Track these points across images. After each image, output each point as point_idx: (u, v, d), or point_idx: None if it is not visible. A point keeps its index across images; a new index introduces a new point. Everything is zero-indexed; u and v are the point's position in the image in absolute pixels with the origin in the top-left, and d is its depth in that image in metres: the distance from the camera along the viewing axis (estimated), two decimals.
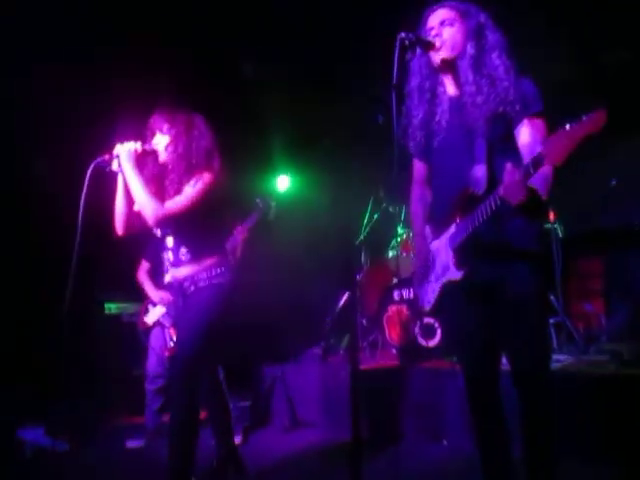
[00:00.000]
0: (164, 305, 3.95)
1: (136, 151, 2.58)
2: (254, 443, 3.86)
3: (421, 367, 3.78)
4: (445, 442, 3.37)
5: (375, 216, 4.90)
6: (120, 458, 3.69)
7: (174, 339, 3.36)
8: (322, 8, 4.56)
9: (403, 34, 1.98)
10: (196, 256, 2.70)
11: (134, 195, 2.58)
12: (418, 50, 2.10)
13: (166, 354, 3.76)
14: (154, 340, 3.98)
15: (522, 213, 1.91)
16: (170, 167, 2.67)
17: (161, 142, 2.68)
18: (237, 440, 3.72)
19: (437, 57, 2.09)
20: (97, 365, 4.62)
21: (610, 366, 3.26)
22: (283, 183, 5.79)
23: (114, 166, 2.58)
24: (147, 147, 2.65)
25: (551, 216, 4.25)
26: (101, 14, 4.40)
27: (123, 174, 2.59)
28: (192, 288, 2.71)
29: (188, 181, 2.62)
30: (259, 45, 4.98)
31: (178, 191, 2.61)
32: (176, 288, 2.77)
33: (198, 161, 2.65)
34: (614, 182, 4.84)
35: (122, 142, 2.58)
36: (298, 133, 5.51)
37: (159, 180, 2.70)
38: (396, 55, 1.94)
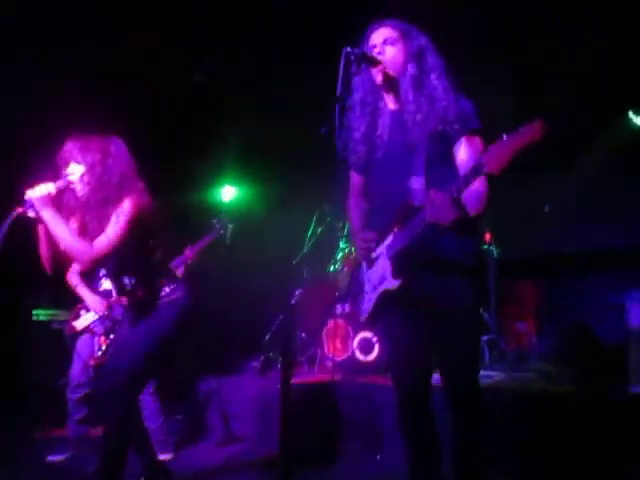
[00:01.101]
0: (98, 312, 3.80)
1: (49, 194, 2.39)
2: (185, 458, 3.75)
3: (357, 382, 3.79)
4: (378, 457, 3.37)
5: (319, 230, 4.91)
6: (41, 473, 3.50)
7: (103, 348, 3.23)
8: (275, 18, 4.58)
9: (349, 49, 2.02)
10: (143, 281, 2.65)
11: (59, 240, 2.42)
12: (362, 65, 2.13)
13: (92, 363, 3.58)
14: (81, 347, 3.81)
15: (452, 231, 1.96)
16: (86, 200, 2.54)
17: (76, 172, 2.52)
18: (168, 456, 3.62)
19: (379, 74, 2.14)
20: (20, 374, 4.38)
21: (538, 384, 3.36)
22: (228, 194, 5.73)
23: (30, 214, 2.40)
24: (60, 185, 2.47)
25: (487, 237, 4.40)
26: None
27: (42, 220, 2.41)
28: (136, 309, 2.67)
29: (108, 214, 2.52)
30: (212, 53, 4.96)
31: (100, 228, 2.51)
32: (127, 308, 2.71)
33: (113, 191, 2.53)
34: (547, 208, 5.06)
35: (32, 187, 2.39)
36: (246, 144, 5.49)
37: (81, 213, 2.58)
38: (341, 68, 1.98)
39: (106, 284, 3.77)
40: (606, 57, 4.28)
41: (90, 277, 3.76)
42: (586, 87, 4.49)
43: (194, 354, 4.87)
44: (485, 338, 4.08)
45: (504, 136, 1.71)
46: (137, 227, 2.55)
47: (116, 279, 2.66)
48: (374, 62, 2.12)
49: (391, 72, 2.14)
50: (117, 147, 2.61)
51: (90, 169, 2.51)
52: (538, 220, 5.11)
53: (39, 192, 2.37)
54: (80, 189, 2.53)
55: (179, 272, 3.92)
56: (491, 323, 4.18)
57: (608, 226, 4.94)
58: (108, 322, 3.36)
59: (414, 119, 2.10)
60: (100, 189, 2.51)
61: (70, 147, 2.55)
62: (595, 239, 4.98)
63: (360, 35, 2.21)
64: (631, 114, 4.69)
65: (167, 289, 2.67)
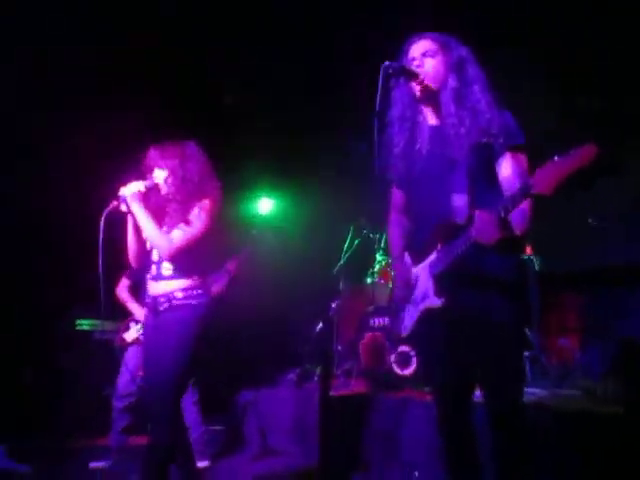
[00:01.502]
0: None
1: (140, 191, 2.69)
2: (221, 469, 3.77)
3: (394, 396, 3.75)
4: (416, 474, 3.32)
5: (355, 243, 4.91)
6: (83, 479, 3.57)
7: None
8: (309, 35, 4.63)
9: (387, 63, 2.00)
10: (178, 274, 2.72)
11: (145, 233, 2.69)
12: (401, 79, 2.13)
13: (140, 373, 3.68)
14: (129, 358, 3.90)
15: (496, 250, 1.93)
16: (171, 197, 2.78)
17: (160, 176, 2.81)
18: (204, 464, 3.65)
19: (419, 87, 2.12)
20: (65, 383, 4.50)
21: (583, 402, 3.26)
22: (266, 206, 5.79)
23: (122, 208, 2.69)
24: (149, 184, 2.76)
25: (528, 249, 4.31)
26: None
27: (132, 214, 2.71)
28: (166, 305, 2.69)
29: (190, 210, 2.73)
30: (244, 69, 5.04)
31: (183, 220, 2.72)
32: (150, 304, 2.74)
33: (195, 189, 2.76)
34: (591, 220, 4.93)
35: (125, 184, 2.69)
36: (284, 157, 5.54)
37: (163, 212, 2.81)
38: (380, 83, 1.96)
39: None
40: None
41: (139, 290, 3.85)
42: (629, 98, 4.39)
43: (233, 366, 4.93)
44: (527, 354, 3.98)
45: (555, 157, 1.67)
46: (214, 225, 2.75)
47: (183, 275, 2.72)
48: (413, 75, 2.10)
49: (431, 85, 2.11)
50: (192, 150, 2.86)
51: (172, 172, 2.78)
52: (582, 232, 4.98)
53: (131, 189, 2.67)
54: (165, 190, 2.80)
55: (222, 285, 3.94)
56: (533, 338, 4.08)
57: None
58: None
59: (456, 132, 2.07)
60: (182, 187, 2.76)
61: (152, 155, 2.83)
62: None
63: (397, 50, 2.20)
64: None
65: (196, 291, 2.72)
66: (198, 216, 2.71)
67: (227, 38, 4.88)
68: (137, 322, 3.96)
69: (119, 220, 2.75)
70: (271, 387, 4.54)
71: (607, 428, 2.85)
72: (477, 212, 1.87)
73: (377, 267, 4.66)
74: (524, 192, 1.77)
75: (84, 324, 4.65)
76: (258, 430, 4.11)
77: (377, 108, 1.94)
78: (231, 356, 5.09)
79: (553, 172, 1.67)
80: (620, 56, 4.19)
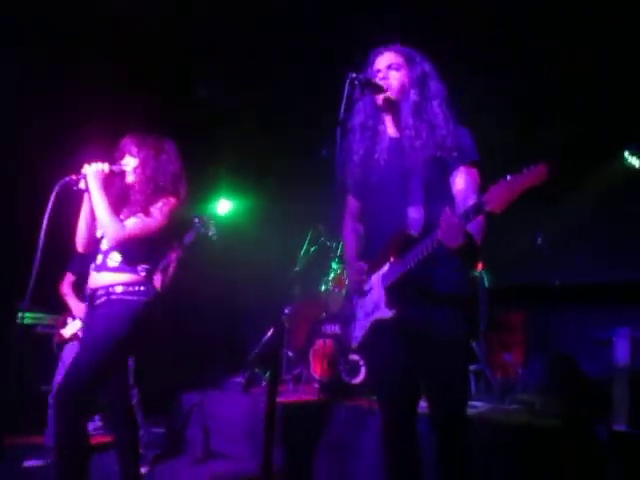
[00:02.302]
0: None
1: (103, 171, 2.64)
2: (161, 473, 3.69)
3: (342, 404, 3.76)
4: None
5: (312, 249, 4.92)
6: (16, 479, 3.43)
7: None
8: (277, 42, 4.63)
9: (354, 75, 2.04)
10: (124, 266, 2.63)
11: (97, 214, 2.61)
12: (365, 90, 2.15)
13: None
14: (67, 354, 3.79)
15: (457, 257, 1.96)
16: (137, 188, 2.73)
17: (129, 164, 2.76)
18: (143, 469, 3.56)
19: (381, 98, 2.16)
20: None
21: (522, 416, 3.36)
22: (224, 207, 5.74)
23: (81, 185, 2.63)
24: (115, 168, 2.71)
25: (479, 265, 4.41)
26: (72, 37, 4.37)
27: (89, 193, 2.64)
28: (103, 299, 2.60)
29: (153, 203, 2.68)
30: (211, 66, 5.00)
31: (143, 210, 2.66)
32: (88, 296, 2.65)
33: (165, 185, 2.73)
34: (540, 239, 5.10)
35: (90, 163, 2.63)
36: (243, 159, 5.51)
37: (123, 200, 2.75)
38: (345, 93, 2.00)
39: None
40: (604, 97, 4.37)
41: (82, 286, 3.74)
42: (584, 125, 4.58)
43: (177, 367, 4.84)
44: (472, 368, 4.07)
45: (508, 176, 1.71)
46: (171, 224, 2.71)
47: (128, 269, 2.65)
48: (378, 88, 2.14)
49: (393, 97, 2.16)
50: (169, 147, 2.83)
51: (143, 162, 2.74)
52: (530, 251, 5.14)
53: (95, 167, 2.62)
54: (131, 179, 2.75)
55: (170, 270, 3.89)
56: (479, 353, 4.18)
57: (598, 261, 4.99)
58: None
59: (412, 144, 2.11)
60: (150, 180, 2.71)
61: (127, 141, 2.78)
62: (585, 274, 5.03)
63: (362, 59, 2.23)
64: (626, 154, 4.77)
65: (137, 287, 2.62)
66: (160, 210, 2.67)
67: (227, 52, 4.86)
68: (74, 318, 3.86)
69: (71, 203, 2.66)
70: (218, 390, 4.48)
71: (545, 440, 2.94)
72: (444, 213, 1.85)
73: (332, 275, 4.68)
74: (477, 208, 1.80)
75: (27, 317, 4.47)
76: (202, 433, 4.05)
77: (341, 116, 1.96)
78: (176, 355, 4.99)
79: (505, 191, 1.71)
80: (578, 76, 4.36)
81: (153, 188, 2.70)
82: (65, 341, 3.87)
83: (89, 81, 4.54)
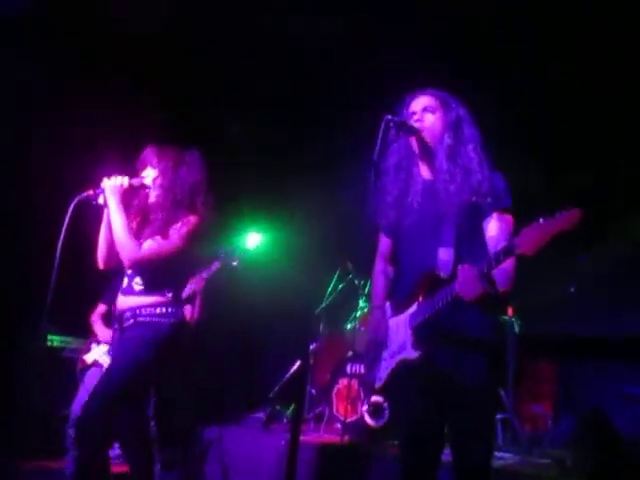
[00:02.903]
0: (108, 344, 3.82)
1: (122, 186, 2.56)
2: None
3: (363, 447, 3.69)
4: None
5: (340, 287, 4.92)
6: None
7: None
8: (304, 76, 4.72)
9: (390, 116, 2.09)
10: (147, 289, 2.59)
11: (114, 232, 2.54)
12: (400, 132, 2.19)
13: None
14: (88, 380, 3.79)
15: (477, 307, 1.95)
16: (155, 202, 2.66)
17: (149, 175, 2.68)
18: None
19: (416, 140, 2.19)
20: (20, 400, 4.36)
21: (552, 471, 3.24)
22: (254, 240, 5.78)
23: (100, 200, 2.57)
24: (134, 182, 2.63)
25: (509, 311, 4.34)
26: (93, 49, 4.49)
27: (107, 208, 2.58)
28: (131, 321, 2.57)
29: (173, 223, 2.59)
30: (242, 103, 5.09)
31: (160, 231, 2.58)
32: (116, 319, 2.63)
33: (183, 198, 2.63)
34: (572, 289, 5.00)
35: (109, 177, 2.58)
36: (275, 191, 5.58)
37: (146, 218, 2.67)
38: (380, 134, 2.03)
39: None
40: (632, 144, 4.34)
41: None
42: (613, 172, 4.54)
43: (197, 399, 4.82)
44: (499, 417, 3.96)
45: (540, 220, 1.72)
46: (194, 246, 2.60)
47: (153, 292, 2.58)
48: (412, 130, 2.17)
49: (428, 140, 2.19)
50: (192, 158, 2.74)
51: (162, 174, 2.66)
52: (563, 300, 5.05)
53: (113, 182, 2.55)
54: (152, 192, 2.68)
55: (197, 301, 3.89)
56: (507, 402, 4.07)
57: (636, 313, 4.86)
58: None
59: (447, 188, 2.12)
60: (169, 192, 2.63)
61: (148, 152, 2.73)
62: (619, 326, 4.90)
63: (398, 102, 2.28)
64: None
65: (163, 309, 2.57)
66: (178, 231, 2.56)
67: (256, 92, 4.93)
68: (99, 343, 3.90)
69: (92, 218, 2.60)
70: (237, 425, 4.44)
71: None
72: (460, 266, 1.89)
73: (359, 313, 4.66)
74: (508, 250, 1.80)
75: (55, 340, 4.55)
76: (221, 470, 4.00)
77: (375, 157, 2.00)
78: (196, 388, 4.97)
79: (537, 234, 1.72)
80: (607, 127, 4.35)
81: (171, 201, 2.61)
82: (87, 366, 3.90)
83: (109, 96, 4.52)
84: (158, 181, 2.65)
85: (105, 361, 3.77)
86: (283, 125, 5.23)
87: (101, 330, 3.92)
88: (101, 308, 4.04)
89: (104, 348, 3.86)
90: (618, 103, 4.25)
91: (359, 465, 3.50)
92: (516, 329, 4.35)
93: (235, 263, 4.16)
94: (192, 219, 2.60)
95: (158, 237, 2.57)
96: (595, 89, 4.22)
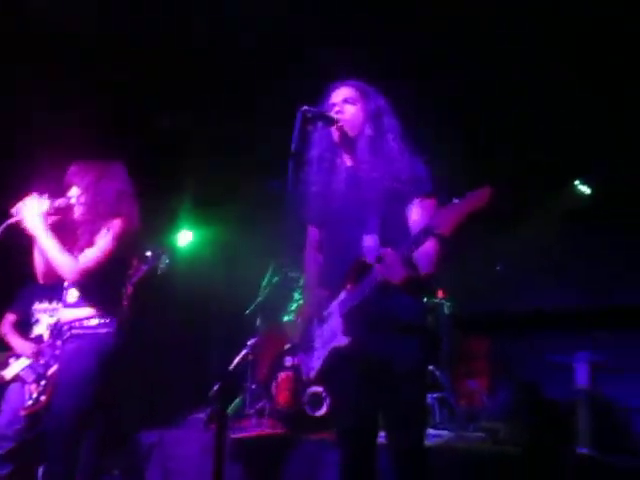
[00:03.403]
0: (29, 358, 3.65)
1: (41, 209, 2.57)
2: None
3: (305, 438, 3.72)
4: None
5: (274, 280, 4.91)
6: None
7: (34, 396, 3.07)
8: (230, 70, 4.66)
9: (306, 107, 2.10)
10: (82, 301, 2.62)
11: (47, 254, 2.56)
12: (319, 123, 2.21)
13: (23, 412, 3.39)
14: (11, 396, 3.63)
15: (404, 291, 2.00)
16: (80, 218, 2.68)
17: (74, 194, 2.71)
18: None
19: (337, 132, 2.22)
20: None
21: (485, 444, 3.39)
22: (185, 238, 5.68)
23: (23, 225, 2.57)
24: (59, 203, 2.65)
25: (440, 293, 4.48)
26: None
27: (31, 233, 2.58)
28: (68, 334, 2.59)
29: (98, 231, 2.61)
30: (177, 99, 5.00)
31: (89, 243, 2.60)
32: (56, 332, 2.68)
33: (107, 208, 2.64)
34: (499, 267, 5.23)
35: (25, 202, 2.56)
36: (206, 187, 5.50)
37: (74, 232, 2.69)
38: (297, 126, 2.05)
39: (38, 329, 3.70)
40: (556, 128, 4.56)
41: (25, 324, 3.66)
42: (537, 154, 4.76)
43: (136, 403, 4.71)
44: (436, 396, 4.10)
45: (454, 200, 1.81)
46: (123, 248, 2.62)
47: (87, 303, 2.61)
48: (331, 121, 2.20)
49: (349, 131, 2.22)
50: (114, 171, 2.76)
51: (85, 191, 2.68)
52: (491, 278, 5.27)
53: (31, 209, 2.55)
54: (77, 210, 2.69)
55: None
56: (443, 380, 4.21)
57: (559, 287, 5.14)
58: (39, 368, 3.22)
59: (369, 177, 2.17)
60: (91, 206, 2.65)
61: (72, 171, 2.73)
62: (547, 299, 5.17)
63: (320, 95, 2.30)
64: (578, 182, 4.97)
65: (101, 320, 2.61)
66: (104, 237, 2.58)
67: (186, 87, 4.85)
68: (17, 357, 3.73)
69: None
70: (178, 427, 4.37)
71: (508, 468, 2.96)
72: (382, 251, 1.95)
73: (295, 305, 4.67)
74: (426, 231, 1.88)
75: None
76: (162, 473, 3.93)
77: (293, 149, 2.00)
78: (135, 391, 4.86)
79: (452, 214, 1.80)
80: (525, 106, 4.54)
81: (94, 215, 2.64)
82: (6, 382, 3.71)
83: (37, 106, 4.39)
84: (82, 198, 2.69)
85: (29, 375, 3.59)
86: (214, 120, 5.16)
87: (16, 342, 3.73)
88: (10, 318, 3.85)
89: (25, 362, 3.67)
90: (543, 85, 4.43)
91: (298, 456, 3.53)
92: (446, 310, 4.50)
93: (166, 263, 4.07)
94: (117, 222, 2.62)
95: (88, 249, 2.60)
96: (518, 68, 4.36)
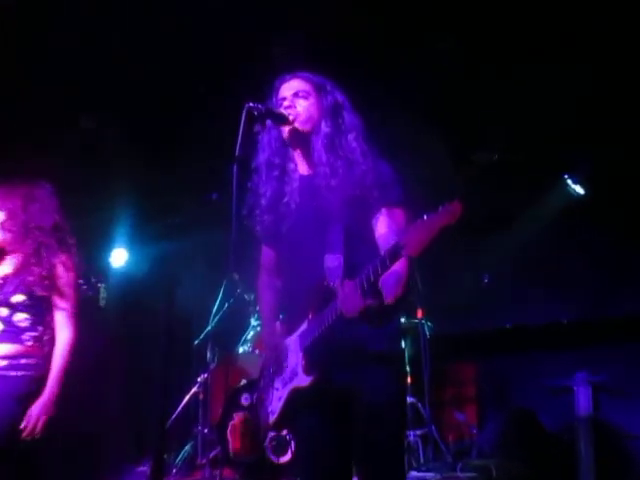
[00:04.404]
0: None
1: None
2: None
3: None
4: None
5: (227, 304, 4.83)
6: None
7: None
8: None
9: (251, 104, 2.04)
10: (7, 336, 2.63)
11: None
12: (268, 122, 2.16)
13: None
14: None
15: (364, 322, 1.96)
16: (9, 247, 2.72)
17: None
18: None
19: (288, 130, 2.16)
20: None
21: None
22: (119, 258, 5.56)
23: None
24: None
25: (419, 313, 4.47)
26: None
27: None
28: None
29: (43, 261, 2.65)
30: (103, 109, 4.97)
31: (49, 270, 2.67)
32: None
33: (45, 240, 2.69)
34: (486, 279, 5.26)
35: None
36: (141, 206, 5.42)
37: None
38: (242, 126, 1.99)
39: None
40: (545, 124, 4.63)
41: None
42: (523, 151, 4.83)
43: (71, 451, 4.57)
44: (419, 432, 4.08)
45: (425, 216, 1.75)
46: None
47: (12, 339, 2.63)
48: (281, 118, 2.14)
49: (301, 129, 2.16)
50: (42, 193, 2.79)
51: (10, 216, 2.70)
52: (477, 292, 5.29)
53: None
54: (1, 236, 2.71)
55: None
56: (425, 413, 4.19)
57: (553, 299, 5.18)
58: None
59: (328, 184, 2.11)
60: (25, 237, 2.68)
61: None
62: (540, 314, 5.20)
63: (268, 89, 2.25)
64: (569, 181, 5.05)
65: (24, 360, 2.64)
66: (68, 279, 2.70)
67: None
68: None
69: None
70: None
71: None
72: (339, 283, 1.91)
73: (251, 333, 4.61)
74: (393, 254, 1.81)
75: None
76: None
77: (237, 153, 1.94)
78: (69, 441, 4.72)
79: (422, 232, 1.74)
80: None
81: (29, 246, 2.68)
82: None
83: None
84: (7, 224, 2.72)
85: None
86: (152, 127, 5.10)
87: None
88: None
89: None
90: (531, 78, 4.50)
91: None
92: (427, 332, 4.49)
93: (101, 296, 4.05)
94: (65, 257, 2.72)
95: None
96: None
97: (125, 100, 4.88)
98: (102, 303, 4.09)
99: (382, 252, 1.90)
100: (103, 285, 4.13)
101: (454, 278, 5.07)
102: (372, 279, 1.85)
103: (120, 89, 4.77)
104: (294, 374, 2.09)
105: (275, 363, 2.21)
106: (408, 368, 4.37)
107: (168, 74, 4.64)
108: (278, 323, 2.28)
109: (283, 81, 2.24)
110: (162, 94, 4.78)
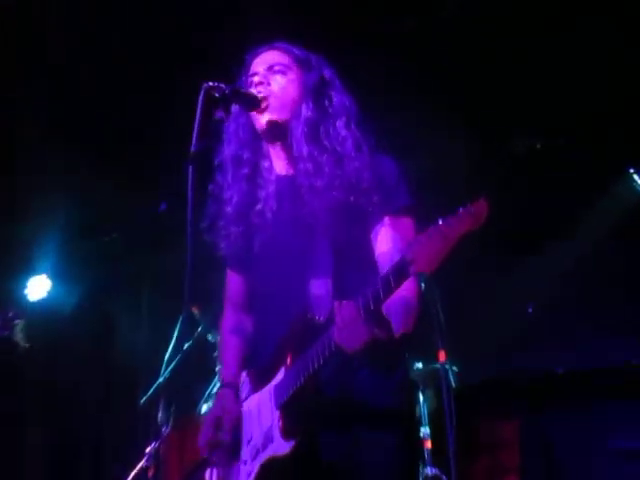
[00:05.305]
0: None
1: None
2: None
3: None
4: None
5: (184, 348, 4.85)
6: None
7: None
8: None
9: (211, 83, 2.05)
10: None
11: None
12: (234, 107, 2.20)
13: None
14: None
15: (368, 361, 1.99)
16: None
17: None
18: None
19: (261, 117, 2.19)
20: None
21: None
22: (39, 287, 5.60)
23: None
24: None
25: (441, 355, 4.49)
26: None
27: None
28: None
29: None
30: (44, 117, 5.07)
31: None
32: None
33: None
34: (531, 309, 5.30)
35: None
36: (67, 220, 5.47)
37: None
38: (198, 112, 2.00)
39: None
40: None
41: None
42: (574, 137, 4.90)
43: None
44: None
45: (440, 220, 1.71)
46: None
47: None
48: (250, 101, 2.17)
49: (278, 113, 2.20)
50: None
51: None
52: (518, 326, 5.32)
53: None
54: None
55: None
56: None
57: (621, 336, 5.21)
58: None
59: (311, 184, 2.15)
60: None
61: None
62: (604, 353, 5.22)
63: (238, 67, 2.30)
64: (635, 175, 5.10)
65: None
66: None
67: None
68: None
69: None
70: None
71: None
72: (337, 303, 1.88)
73: (218, 387, 4.62)
74: (399, 272, 1.79)
75: None
76: None
77: (193, 148, 1.97)
78: None
79: (435, 241, 1.71)
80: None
81: None
82: None
83: None
84: None
85: None
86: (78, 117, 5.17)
87: None
88: None
89: None
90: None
91: None
92: (452, 380, 4.51)
93: (20, 337, 4.08)
94: None
95: None
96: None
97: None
98: (23, 343, 4.09)
99: (384, 271, 1.89)
100: (20, 322, 4.13)
101: (487, 308, 5.11)
102: (372, 307, 1.84)
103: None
104: (268, 440, 2.11)
105: (239, 431, 2.24)
106: (427, 429, 4.39)
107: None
108: (244, 375, 2.31)
109: (256, 54, 2.29)
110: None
